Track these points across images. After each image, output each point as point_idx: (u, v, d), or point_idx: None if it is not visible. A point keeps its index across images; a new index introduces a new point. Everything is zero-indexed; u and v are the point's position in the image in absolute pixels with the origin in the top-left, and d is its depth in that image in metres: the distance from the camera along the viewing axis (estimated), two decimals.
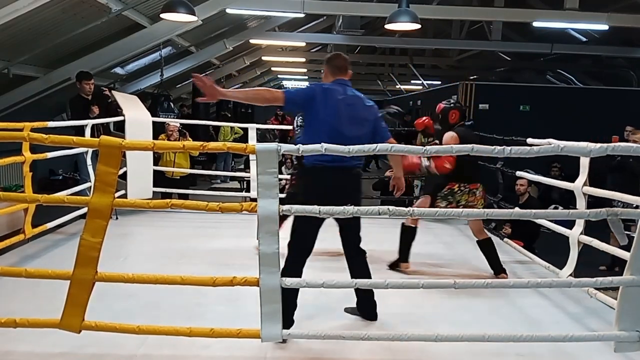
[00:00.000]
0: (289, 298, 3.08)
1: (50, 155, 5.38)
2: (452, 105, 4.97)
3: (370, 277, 3.56)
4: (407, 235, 4.83)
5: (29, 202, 3.98)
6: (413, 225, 4.81)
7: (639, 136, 6.59)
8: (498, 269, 4.81)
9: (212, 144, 2.46)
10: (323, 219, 3.20)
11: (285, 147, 2.41)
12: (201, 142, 2.42)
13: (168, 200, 2.59)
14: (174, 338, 2.95)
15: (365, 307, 3.69)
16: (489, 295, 4.12)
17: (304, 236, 3.39)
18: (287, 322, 3.17)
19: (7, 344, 3.09)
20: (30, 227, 4.83)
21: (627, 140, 7.03)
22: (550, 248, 5.76)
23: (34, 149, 4.88)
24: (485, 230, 4.94)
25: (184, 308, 3.75)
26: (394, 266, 4.87)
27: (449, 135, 4.75)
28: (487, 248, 4.87)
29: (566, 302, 4.18)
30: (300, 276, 3.22)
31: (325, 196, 3.09)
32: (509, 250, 5.68)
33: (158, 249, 5.40)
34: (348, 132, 3.31)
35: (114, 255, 4.80)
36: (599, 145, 2.78)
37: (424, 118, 5.26)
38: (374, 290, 3.66)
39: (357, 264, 3.70)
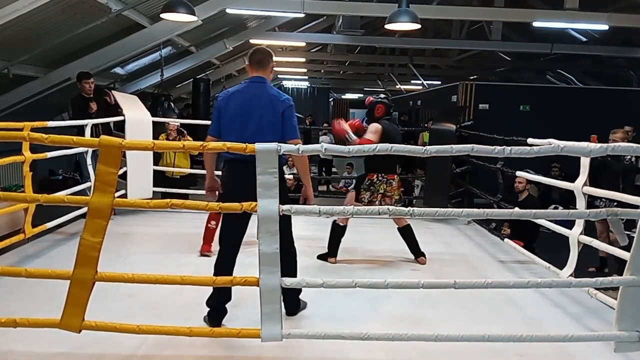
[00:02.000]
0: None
1: (50, 155, 5.40)
2: (379, 99, 5.28)
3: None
4: (337, 233, 5.16)
5: (29, 201, 3.98)
6: (343, 224, 5.16)
7: (619, 135, 6.56)
8: (417, 253, 5.26)
9: (212, 144, 2.46)
10: (248, 215, 3.16)
11: (285, 147, 2.41)
12: (201, 142, 2.42)
13: (168, 200, 2.59)
14: (174, 338, 2.95)
15: (288, 302, 3.62)
16: (489, 295, 4.12)
17: (230, 231, 3.47)
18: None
19: (7, 344, 3.09)
20: (30, 227, 4.84)
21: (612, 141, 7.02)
22: (550, 248, 5.76)
23: (34, 148, 4.89)
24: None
25: (184, 308, 3.75)
26: (322, 258, 5.19)
27: (373, 126, 5.09)
28: (407, 234, 5.27)
29: (566, 302, 4.18)
30: (231, 271, 3.29)
31: (234, 189, 3.30)
32: (509, 250, 5.68)
33: (158, 248, 5.40)
34: (251, 130, 3.39)
35: (114, 255, 4.80)
36: (599, 145, 2.78)
37: (355, 120, 5.48)
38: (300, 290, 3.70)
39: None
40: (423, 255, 5.27)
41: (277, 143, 2.36)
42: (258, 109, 3.51)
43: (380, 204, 5.03)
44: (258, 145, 2.35)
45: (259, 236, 2.49)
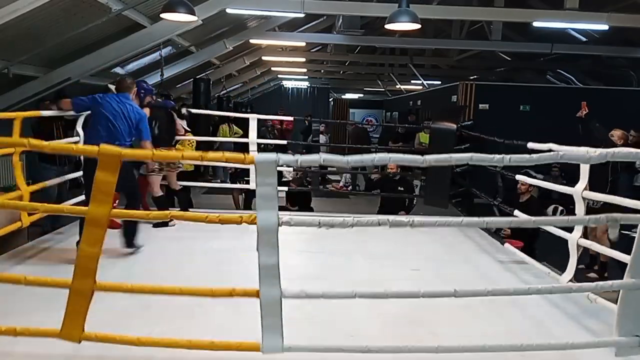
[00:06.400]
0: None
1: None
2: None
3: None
4: (162, 201, 6.20)
5: (28, 210, 4.01)
6: (159, 194, 6.33)
7: (618, 134, 6.66)
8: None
9: (211, 155, 2.44)
10: None
11: (284, 158, 2.39)
12: (200, 153, 2.40)
13: (167, 212, 2.59)
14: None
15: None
16: (490, 297, 4.11)
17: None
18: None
19: (7, 345, 3.07)
20: (26, 216, 4.83)
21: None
22: (550, 247, 5.73)
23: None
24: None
25: (184, 308, 3.72)
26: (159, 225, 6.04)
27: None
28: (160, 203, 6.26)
29: (566, 302, 4.16)
30: None
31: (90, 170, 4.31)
32: (509, 250, 5.64)
33: (158, 250, 5.38)
34: (117, 126, 5.06)
35: (115, 256, 4.84)
36: (598, 151, 2.75)
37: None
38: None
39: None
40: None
41: (276, 153, 2.34)
42: (124, 116, 5.13)
43: (164, 170, 6.40)
44: (257, 157, 2.33)
45: (258, 248, 2.48)
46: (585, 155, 2.73)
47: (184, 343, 2.61)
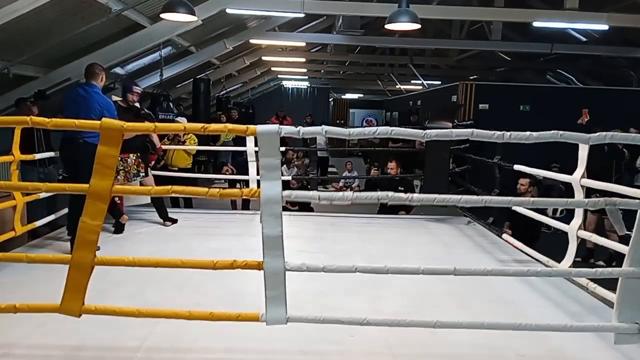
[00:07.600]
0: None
1: (38, 156, 5.83)
2: None
3: None
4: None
5: (30, 190, 4.04)
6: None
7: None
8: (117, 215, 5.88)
9: (213, 126, 2.46)
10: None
11: (286, 130, 2.41)
12: (202, 125, 2.42)
13: (169, 187, 2.59)
14: (173, 339, 3.03)
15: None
16: (489, 296, 4.12)
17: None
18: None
19: (6, 346, 3.07)
20: (20, 225, 4.82)
21: None
22: (551, 249, 5.72)
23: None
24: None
25: (184, 309, 3.73)
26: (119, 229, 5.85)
27: None
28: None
29: (566, 301, 4.15)
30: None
31: (63, 159, 5.40)
32: (509, 250, 5.64)
33: (158, 248, 5.38)
34: (82, 116, 4.89)
35: (115, 254, 4.80)
36: (597, 133, 2.79)
37: None
38: None
39: None
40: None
41: (277, 125, 2.36)
42: (88, 107, 5.13)
43: (122, 178, 5.99)
44: (260, 128, 2.35)
45: (262, 219, 2.50)
46: (584, 135, 2.77)
47: (183, 314, 2.63)
